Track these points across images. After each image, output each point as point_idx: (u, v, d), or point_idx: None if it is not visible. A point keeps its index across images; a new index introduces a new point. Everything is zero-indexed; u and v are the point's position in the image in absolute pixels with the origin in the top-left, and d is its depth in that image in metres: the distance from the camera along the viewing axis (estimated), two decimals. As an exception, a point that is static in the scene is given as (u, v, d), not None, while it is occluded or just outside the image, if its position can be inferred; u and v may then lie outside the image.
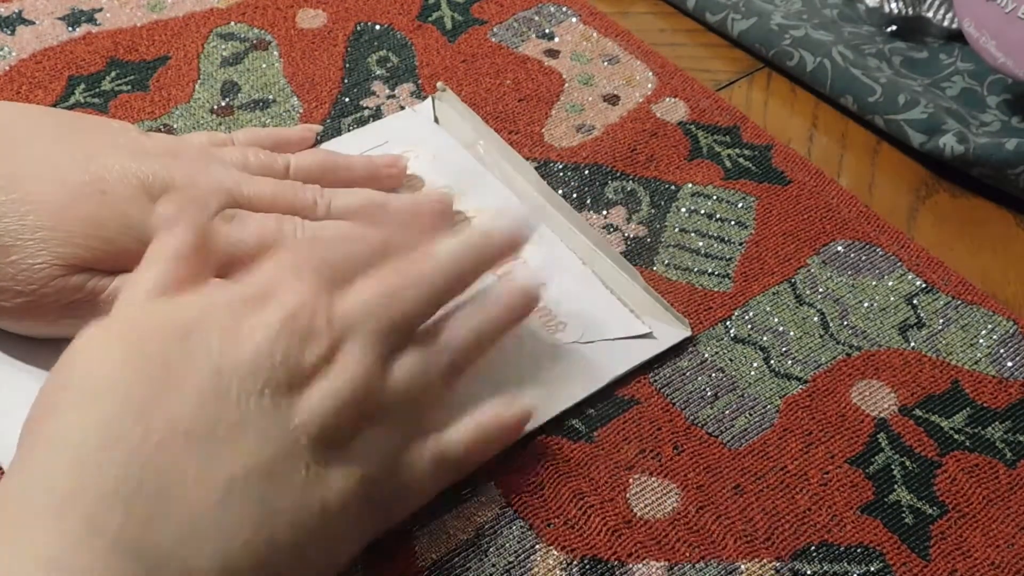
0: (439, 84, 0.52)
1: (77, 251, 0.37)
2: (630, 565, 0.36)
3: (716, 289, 0.45)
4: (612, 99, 0.53)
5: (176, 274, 0.34)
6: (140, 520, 0.28)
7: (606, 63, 0.55)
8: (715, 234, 0.47)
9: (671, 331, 0.42)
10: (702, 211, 0.48)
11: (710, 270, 0.45)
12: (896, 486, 0.38)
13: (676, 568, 0.36)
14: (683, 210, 0.48)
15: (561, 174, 0.49)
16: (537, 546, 0.36)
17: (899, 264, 0.46)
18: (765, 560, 0.36)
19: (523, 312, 0.38)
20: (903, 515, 0.38)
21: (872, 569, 0.36)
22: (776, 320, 0.44)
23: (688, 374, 0.41)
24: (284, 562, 0.30)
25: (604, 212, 0.48)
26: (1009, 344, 0.43)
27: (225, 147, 0.44)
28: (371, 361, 0.33)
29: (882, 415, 0.40)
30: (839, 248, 0.46)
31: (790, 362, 0.42)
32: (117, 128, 0.41)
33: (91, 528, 0.27)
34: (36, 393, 0.31)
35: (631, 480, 0.38)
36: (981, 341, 0.43)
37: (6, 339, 0.40)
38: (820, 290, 0.45)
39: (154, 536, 0.28)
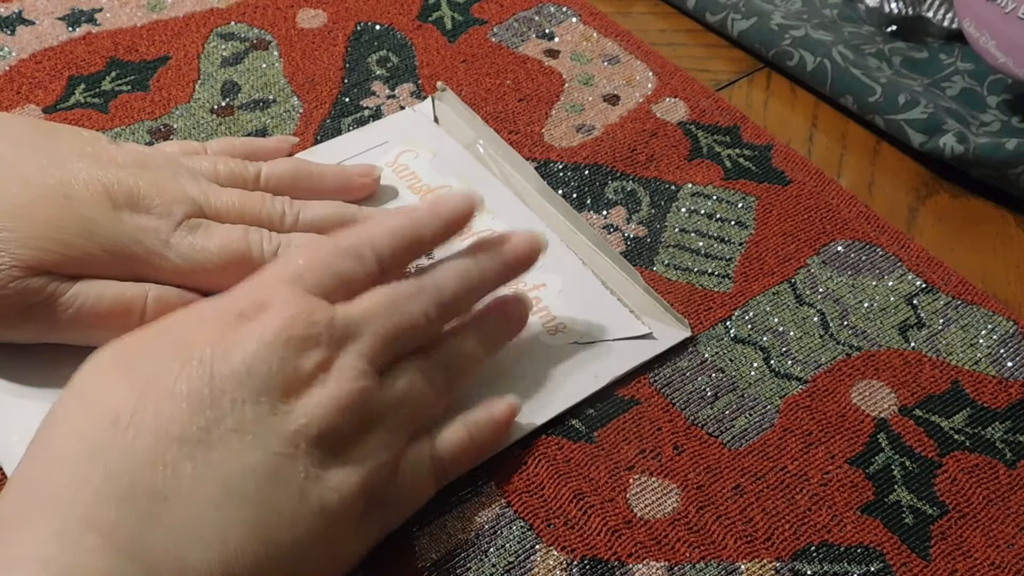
0: (439, 84, 0.52)
1: (37, 253, 0.37)
2: (630, 565, 0.36)
3: (716, 289, 0.45)
4: (612, 99, 0.53)
5: None
6: (134, 519, 0.28)
7: (606, 63, 0.55)
8: (715, 234, 0.47)
9: (671, 332, 0.42)
10: (702, 211, 0.48)
11: (710, 270, 0.45)
12: (896, 486, 0.38)
13: (676, 568, 0.36)
14: (683, 210, 0.48)
15: (561, 174, 0.49)
16: (537, 546, 0.36)
17: (899, 264, 0.46)
18: (765, 560, 0.36)
19: (517, 327, 0.40)
20: (903, 515, 0.38)
21: (872, 569, 0.36)
22: (776, 320, 0.44)
23: (688, 374, 0.41)
24: (285, 564, 0.30)
25: (604, 212, 0.48)
26: (1009, 344, 0.43)
27: (196, 156, 0.44)
28: (369, 370, 0.33)
29: (882, 415, 0.40)
30: (839, 248, 0.46)
31: (790, 362, 0.42)
32: (87, 137, 0.41)
33: (84, 527, 0.27)
34: (44, 411, 0.32)
35: (631, 480, 0.38)
36: (981, 341, 0.43)
37: (17, 364, 0.40)
38: (820, 290, 0.45)
39: (149, 535, 0.28)
